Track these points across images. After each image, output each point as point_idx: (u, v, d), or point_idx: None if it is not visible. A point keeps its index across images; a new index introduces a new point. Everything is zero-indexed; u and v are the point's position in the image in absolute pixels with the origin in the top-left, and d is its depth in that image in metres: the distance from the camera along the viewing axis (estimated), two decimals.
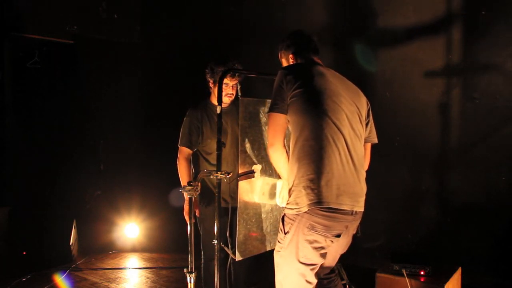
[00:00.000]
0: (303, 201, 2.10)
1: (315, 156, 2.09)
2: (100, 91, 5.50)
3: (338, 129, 2.14)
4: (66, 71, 5.19)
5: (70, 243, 4.58)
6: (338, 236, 2.16)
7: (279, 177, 2.48)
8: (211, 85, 3.14)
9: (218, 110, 2.56)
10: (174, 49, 5.64)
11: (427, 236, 3.91)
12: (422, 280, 2.87)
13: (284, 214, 2.23)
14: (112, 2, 5.56)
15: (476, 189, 3.66)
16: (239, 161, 2.52)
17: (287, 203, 2.19)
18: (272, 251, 2.90)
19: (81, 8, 5.27)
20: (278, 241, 2.24)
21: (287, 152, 2.22)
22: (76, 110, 5.29)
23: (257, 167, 2.58)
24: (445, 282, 2.83)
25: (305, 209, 2.09)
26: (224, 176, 2.48)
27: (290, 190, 2.18)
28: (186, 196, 2.99)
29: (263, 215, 2.67)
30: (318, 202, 2.07)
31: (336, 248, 2.31)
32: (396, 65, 4.03)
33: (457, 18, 3.68)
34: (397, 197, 3.98)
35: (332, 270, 2.44)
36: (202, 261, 3.14)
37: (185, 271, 2.50)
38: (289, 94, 2.17)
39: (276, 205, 2.51)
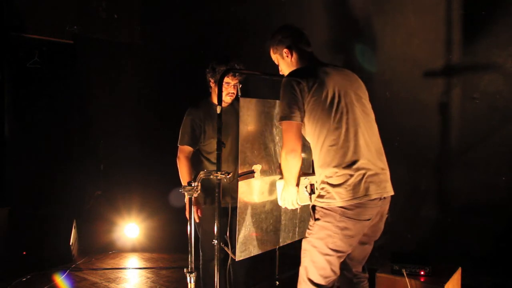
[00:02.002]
0: (335, 199, 2.18)
1: (342, 159, 2.18)
2: (100, 91, 5.50)
3: (357, 126, 2.25)
4: (66, 71, 5.19)
5: (70, 243, 4.57)
6: (368, 220, 2.24)
7: (279, 175, 2.49)
8: (212, 84, 3.14)
9: (218, 110, 2.56)
10: (174, 49, 5.64)
11: (427, 236, 3.91)
12: (422, 280, 2.87)
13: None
14: (112, 2, 5.56)
15: (476, 189, 3.66)
16: (239, 161, 2.52)
17: (317, 199, 2.25)
18: (272, 251, 2.90)
19: (81, 8, 5.27)
20: (308, 228, 2.29)
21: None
22: (76, 110, 5.29)
23: (257, 167, 2.58)
24: (445, 282, 2.83)
25: (338, 205, 2.18)
26: (224, 176, 2.48)
27: (319, 188, 2.26)
28: (186, 195, 2.98)
29: (263, 215, 2.67)
30: (350, 200, 2.16)
31: (370, 235, 2.36)
32: (396, 65, 4.02)
33: (457, 18, 3.68)
34: (397, 197, 3.97)
35: (363, 268, 2.50)
36: (201, 262, 3.14)
37: (185, 271, 2.50)
38: (305, 102, 2.23)
39: (277, 204, 2.51)
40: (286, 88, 2.25)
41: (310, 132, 2.26)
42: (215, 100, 3.13)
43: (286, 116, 2.22)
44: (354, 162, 2.19)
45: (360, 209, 2.18)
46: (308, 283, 2.24)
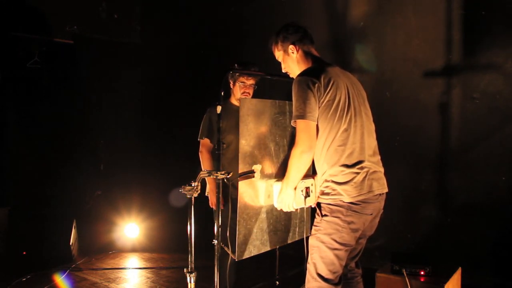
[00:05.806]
0: (342, 195, 2.24)
1: (348, 159, 2.26)
2: (100, 91, 5.50)
3: (363, 128, 2.34)
4: (66, 71, 5.19)
5: (70, 243, 4.57)
6: (371, 214, 2.32)
7: (277, 176, 2.49)
8: (231, 86, 3.26)
9: (218, 110, 2.58)
10: (174, 49, 5.64)
11: (427, 236, 3.91)
12: (422, 280, 2.87)
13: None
14: (112, 2, 5.56)
15: (476, 189, 3.66)
16: (239, 161, 2.52)
17: (322, 197, 2.29)
18: (272, 251, 2.90)
19: (81, 8, 5.27)
20: (315, 225, 2.34)
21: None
22: (76, 110, 5.28)
23: (257, 167, 2.58)
24: (445, 282, 2.83)
25: (346, 201, 2.25)
26: (224, 176, 2.48)
27: (322, 186, 2.30)
28: (209, 185, 3.21)
29: (263, 215, 2.67)
30: (356, 196, 2.24)
31: (366, 230, 2.40)
32: (396, 65, 4.03)
33: (457, 18, 3.68)
34: (397, 197, 3.98)
35: (357, 264, 2.53)
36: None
37: (185, 271, 2.50)
38: (319, 102, 2.26)
39: None
40: (301, 87, 2.25)
41: (319, 131, 2.29)
42: (233, 100, 3.26)
43: (302, 115, 2.23)
44: (359, 162, 2.27)
45: (365, 204, 2.26)
46: (318, 278, 2.26)
